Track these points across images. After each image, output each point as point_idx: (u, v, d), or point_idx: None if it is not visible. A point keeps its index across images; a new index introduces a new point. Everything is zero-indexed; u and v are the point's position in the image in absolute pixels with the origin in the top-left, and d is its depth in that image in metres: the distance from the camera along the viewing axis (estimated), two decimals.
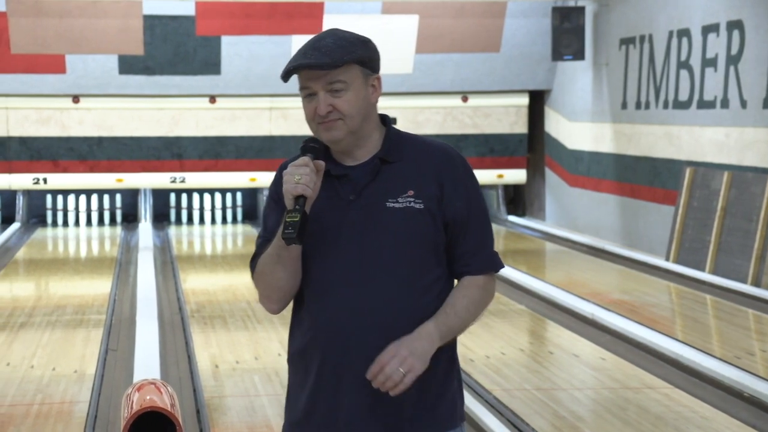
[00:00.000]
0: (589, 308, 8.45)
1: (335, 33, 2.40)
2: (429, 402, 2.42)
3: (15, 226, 13.66)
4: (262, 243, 2.47)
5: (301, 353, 2.44)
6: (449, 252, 2.43)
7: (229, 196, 14.78)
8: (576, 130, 13.66)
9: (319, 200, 2.36)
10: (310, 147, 2.36)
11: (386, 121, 2.49)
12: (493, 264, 2.47)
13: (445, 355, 2.42)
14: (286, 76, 2.42)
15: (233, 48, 13.58)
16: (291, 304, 2.54)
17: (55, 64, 13.33)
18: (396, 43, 13.55)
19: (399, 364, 2.27)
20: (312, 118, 2.39)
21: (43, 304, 8.97)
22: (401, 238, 2.38)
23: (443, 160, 2.44)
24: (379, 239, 2.37)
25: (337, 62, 2.33)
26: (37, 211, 14.49)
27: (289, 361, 2.50)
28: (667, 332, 7.71)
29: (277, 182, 2.44)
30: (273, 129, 14.05)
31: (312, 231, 2.36)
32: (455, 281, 2.49)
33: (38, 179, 13.90)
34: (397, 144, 2.46)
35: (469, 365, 6.89)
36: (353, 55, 2.36)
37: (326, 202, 2.38)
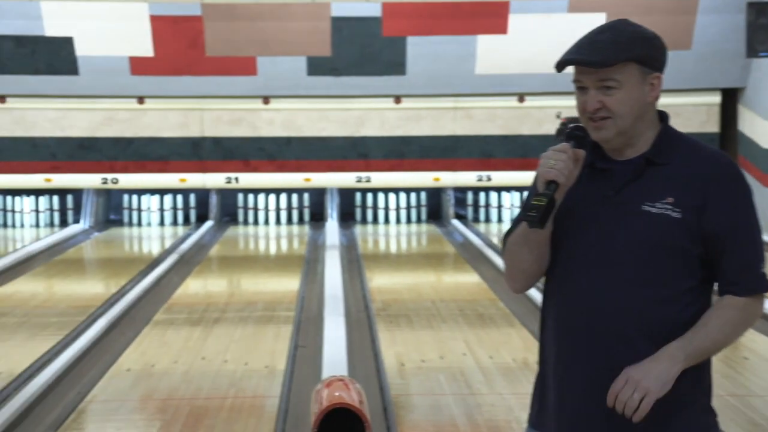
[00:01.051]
0: None
1: (616, 27, 2.28)
2: (660, 417, 2.28)
3: (208, 224, 14.09)
4: (517, 220, 2.39)
5: (543, 344, 2.43)
6: (713, 267, 2.30)
7: (413, 195, 14.79)
8: None
9: (575, 190, 2.27)
10: (575, 134, 2.27)
11: (663, 118, 2.34)
12: (760, 285, 2.32)
13: (689, 374, 2.28)
14: (559, 67, 2.32)
15: (418, 48, 13.50)
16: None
17: (246, 66, 13.55)
18: None
19: (632, 389, 2.20)
20: (582, 112, 2.30)
21: (235, 301, 9.18)
22: (650, 244, 2.25)
23: (714, 170, 2.28)
24: (627, 242, 2.26)
25: (609, 61, 2.21)
26: (229, 209, 14.79)
27: (542, 339, 2.49)
28: None
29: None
30: (457, 129, 13.94)
31: (561, 220, 2.30)
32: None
33: (230, 178, 14.14)
34: (669, 146, 2.31)
35: None
36: (629, 53, 2.23)
37: (583, 194, 2.29)
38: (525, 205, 2.35)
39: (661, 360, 2.21)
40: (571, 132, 2.28)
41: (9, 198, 14.51)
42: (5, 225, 13.80)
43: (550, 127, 12.58)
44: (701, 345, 2.25)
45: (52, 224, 14.41)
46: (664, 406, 2.25)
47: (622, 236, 2.26)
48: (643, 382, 2.18)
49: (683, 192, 2.25)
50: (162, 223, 14.28)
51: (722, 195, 2.26)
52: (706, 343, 2.25)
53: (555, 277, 2.36)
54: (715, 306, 2.29)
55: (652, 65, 2.27)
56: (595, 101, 2.25)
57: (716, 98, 14.03)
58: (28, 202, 14.43)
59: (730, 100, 14.18)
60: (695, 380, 2.31)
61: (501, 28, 13.16)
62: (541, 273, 2.37)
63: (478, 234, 12.30)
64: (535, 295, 7.87)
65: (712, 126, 14.15)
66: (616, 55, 2.21)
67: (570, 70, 2.35)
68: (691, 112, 14.01)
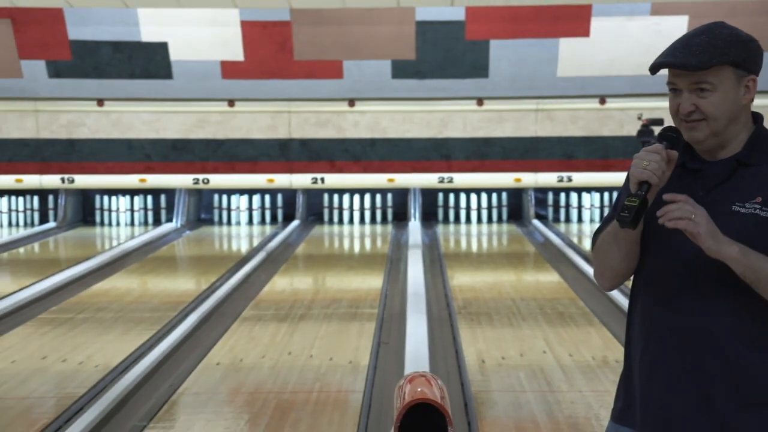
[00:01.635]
0: None
1: (712, 30, 2.26)
2: (740, 415, 2.27)
3: (295, 223, 14.13)
4: (607, 219, 2.40)
5: (629, 341, 2.43)
6: None
7: (494, 195, 14.73)
8: None
9: (668, 190, 2.24)
10: (668, 135, 2.26)
11: (757, 120, 2.32)
12: None
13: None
14: (653, 69, 2.31)
15: (501, 51, 13.49)
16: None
17: (333, 70, 13.64)
18: (667, 43, 13.11)
19: (691, 210, 2.16)
20: (675, 114, 2.29)
21: (320, 298, 9.27)
22: (740, 242, 2.23)
23: None
24: None
25: (704, 65, 2.20)
26: (315, 209, 14.87)
27: (628, 337, 2.47)
28: None
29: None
30: (538, 130, 13.91)
31: (652, 220, 2.27)
32: None
33: (316, 179, 14.21)
34: (761, 147, 2.29)
35: None
36: (725, 57, 2.21)
37: (679, 191, 2.26)
38: (617, 204, 2.35)
39: (728, 242, 2.19)
40: (663, 133, 2.28)
41: (106, 197, 14.78)
42: (102, 224, 14.04)
43: (632, 129, 12.49)
44: (755, 260, 2.22)
45: (146, 223, 14.69)
46: (744, 400, 2.23)
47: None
48: (698, 218, 2.17)
49: None
50: (250, 222, 14.41)
51: None
52: (760, 263, 2.22)
53: (643, 276, 2.35)
54: None
55: (747, 68, 2.25)
56: (689, 104, 2.24)
57: None
58: (123, 201, 14.69)
59: None
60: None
61: (583, 31, 13.17)
62: (630, 272, 2.37)
63: (558, 234, 12.20)
64: (616, 295, 7.77)
65: None
66: (711, 58, 2.20)
67: (664, 71, 2.35)
68: None
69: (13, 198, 14.95)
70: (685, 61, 2.19)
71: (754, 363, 2.24)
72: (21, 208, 14.92)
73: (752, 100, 2.28)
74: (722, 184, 2.25)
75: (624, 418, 2.40)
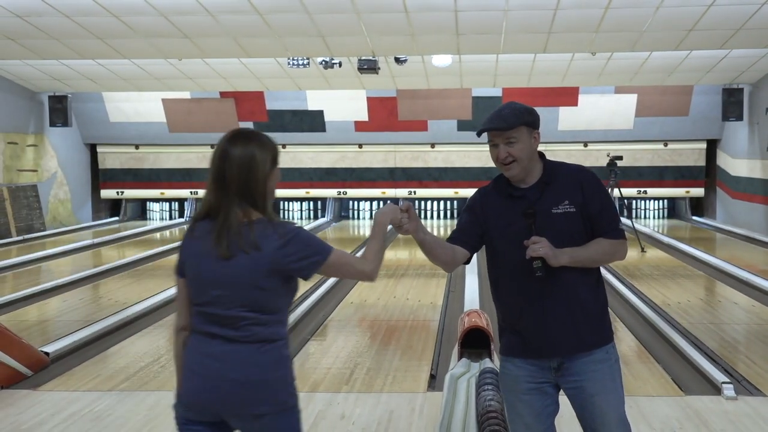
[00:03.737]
0: (744, 274, 8.95)
1: (510, 105, 2.60)
2: (574, 319, 2.64)
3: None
4: (452, 235, 2.72)
5: (511, 297, 2.69)
6: (595, 231, 2.67)
7: None
8: (737, 164, 14.84)
9: (503, 211, 2.64)
10: (529, 214, 2.59)
11: (542, 156, 2.65)
12: (621, 233, 2.69)
13: (590, 280, 2.66)
14: (479, 133, 2.63)
15: None
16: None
17: (422, 126, 15.24)
18: (623, 110, 15.30)
19: (540, 244, 2.56)
20: (496, 160, 2.62)
21: (413, 264, 10.05)
22: (565, 231, 2.60)
23: (582, 176, 2.65)
24: (550, 234, 2.60)
25: (512, 126, 2.56)
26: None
27: (501, 299, 2.75)
28: None
29: (473, 198, 2.75)
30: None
31: (503, 229, 2.63)
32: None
33: (411, 191, 15.96)
34: (552, 171, 2.65)
35: (667, 308, 7.29)
36: (522, 119, 2.59)
37: (510, 212, 2.64)
38: (474, 215, 2.68)
39: (558, 250, 2.60)
40: (527, 212, 2.58)
41: (283, 202, 16.60)
42: (283, 217, 10.80)
43: (603, 162, 12.96)
44: (580, 253, 2.61)
45: (308, 218, 16.64)
46: (576, 313, 2.65)
47: (548, 230, 2.61)
48: (546, 248, 2.57)
49: (571, 194, 2.62)
50: (371, 218, 15.66)
51: (591, 188, 2.65)
52: (583, 254, 2.61)
53: (513, 260, 2.62)
54: (594, 240, 2.69)
55: (534, 126, 2.62)
56: (505, 152, 2.58)
57: (704, 145, 15.97)
58: (296, 205, 16.82)
59: (712, 146, 16.00)
60: (595, 299, 2.69)
61: (574, 102, 15.18)
62: (452, 263, 2.72)
63: None
64: None
65: (702, 161, 16.04)
66: (515, 122, 2.57)
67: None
68: (689, 153, 15.88)
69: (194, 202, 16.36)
70: (499, 125, 2.57)
71: (586, 296, 2.65)
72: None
73: (538, 145, 2.64)
74: (540, 199, 2.61)
75: (509, 352, 2.76)
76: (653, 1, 9.23)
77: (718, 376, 5.12)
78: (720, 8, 9.45)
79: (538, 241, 2.56)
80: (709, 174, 16.26)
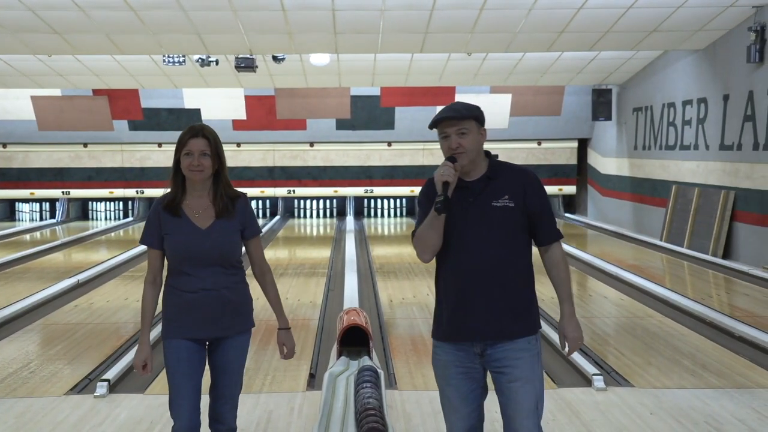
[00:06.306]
0: (614, 269, 9.28)
1: (461, 102, 2.79)
2: (511, 317, 2.75)
3: (277, 217, 15.25)
4: (418, 222, 2.77)
5: (445, 283, 2.79)
6: (533, 229, 2.81)
7: (399, 200, 16.20)
8: (606, 162, 15.29)
9: (452, 200, 2.68)
10: (453, 158, 2.71)
11: (489, 154, 2.79)
12: (560, 235, 2.85)
13: (523, 276, 2.77)
14: (432, 125, 2.78)
15: (402, 113, 15.48)
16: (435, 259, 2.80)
17: (300, 124, 15.20)
18: (498, 110, 15.64)
19: (578, 342, 2.82)
20: (447, 150, 2.74)
21: (292, 263, 10.05)
22: (502, 223, 2.73)
23: (525, 177, 2.79)
24: (489, 225, 2.73)
25: (464, 116, 2.71)
26: (289, 208, 15.96)
27: (438, 286, 2.82)
28: (660, 283, 8.37)
29: (425, 191, 2.82)
30: (425, 161, 15.98)
31: (448, 219, 2.71)
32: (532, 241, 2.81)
33: (290, 190, 15.85)
34: (497, 168, 2.78)
35: (542, 303, 6.80)
36: (472, 113, 2.75)
37: (456, 202, 2.73)
38: (422, 208, 2.74)
39: (573, 318, 2.81)
40: (451, 156, 2.70)
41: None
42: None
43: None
44: (569, 291, 2.82)
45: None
46: (502, 301, 2.75)
47: (485, 223, 2.71)
48: (578, 334, 2.80)
49: (512, 191, 2.73)
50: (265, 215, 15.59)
51: (532, 188, 2.77)
52: (568, 290, 2.82)
53: (450, 247, 2.72)
54: (556, 264, 2.83)
55: (481, 122, 2.74)
56: (456, 142, 2.70)
57: (575, 144, 16.41)
58: None
59: (583, 145, 16.45)
60: (523, 289, 2.81)
61: (451, 101, 8.00)
62: (439, 247, 2.74)
63: None
64: None
65: (573, 160, 16.50)
66: (467, 114, 2.71)
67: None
68: (561, 151, 16.30)
69: (108, 203, 17.04)
70: (454, 114, 2.69)
71: (513, 286, 2.76)
72: (111, 209, 16.96)
73: (484, 141, 2.75)
74: (483, 192, 2.72)
75: (441, 335, 2.84)
76: (526, 4, 9.39)
77: (589, 368, 5.24)
78: (589, 11, 9.63)
79: (448, 165, 2.72)
80: (580, 172, 16.64)
